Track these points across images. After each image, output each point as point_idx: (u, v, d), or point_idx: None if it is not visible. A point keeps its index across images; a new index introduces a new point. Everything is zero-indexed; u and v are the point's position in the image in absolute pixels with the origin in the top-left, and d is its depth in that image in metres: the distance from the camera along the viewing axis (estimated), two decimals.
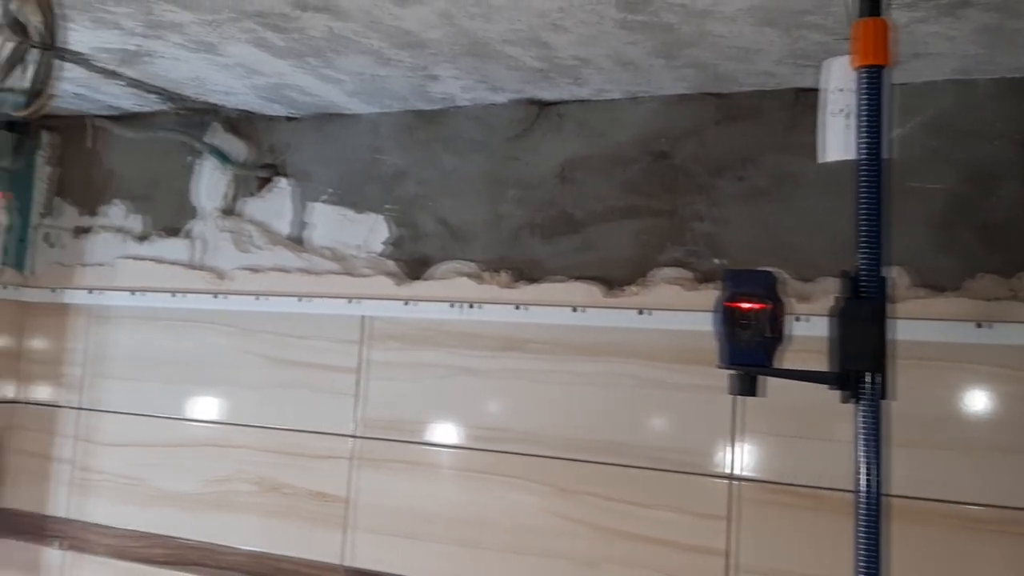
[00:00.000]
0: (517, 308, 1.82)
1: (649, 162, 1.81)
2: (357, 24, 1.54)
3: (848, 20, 1.12)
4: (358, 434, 1.95)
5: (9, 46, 0.73)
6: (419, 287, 1.94)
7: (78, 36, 1.72)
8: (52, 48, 0.75)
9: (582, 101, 1.88)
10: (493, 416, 1.84)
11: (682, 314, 1.68)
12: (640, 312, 1.72)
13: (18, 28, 0.74)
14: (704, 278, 1.73)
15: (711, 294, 1.65)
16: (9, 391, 2.32)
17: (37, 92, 0.77)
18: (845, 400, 1.05)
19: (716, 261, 1.73)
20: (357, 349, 1.98)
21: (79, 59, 1.87)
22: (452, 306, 1.89)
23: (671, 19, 1.43)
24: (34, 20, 0.74)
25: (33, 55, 0.74)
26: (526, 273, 1.87)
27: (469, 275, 1.90)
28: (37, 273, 2.37)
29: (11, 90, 0.74)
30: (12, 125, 1.97)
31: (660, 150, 1.80)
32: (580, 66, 1.68)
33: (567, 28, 1.49)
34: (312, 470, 1.98)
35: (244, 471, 2.05)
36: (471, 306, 1.88)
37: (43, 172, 2.40)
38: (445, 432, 1.88)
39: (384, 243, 2.02)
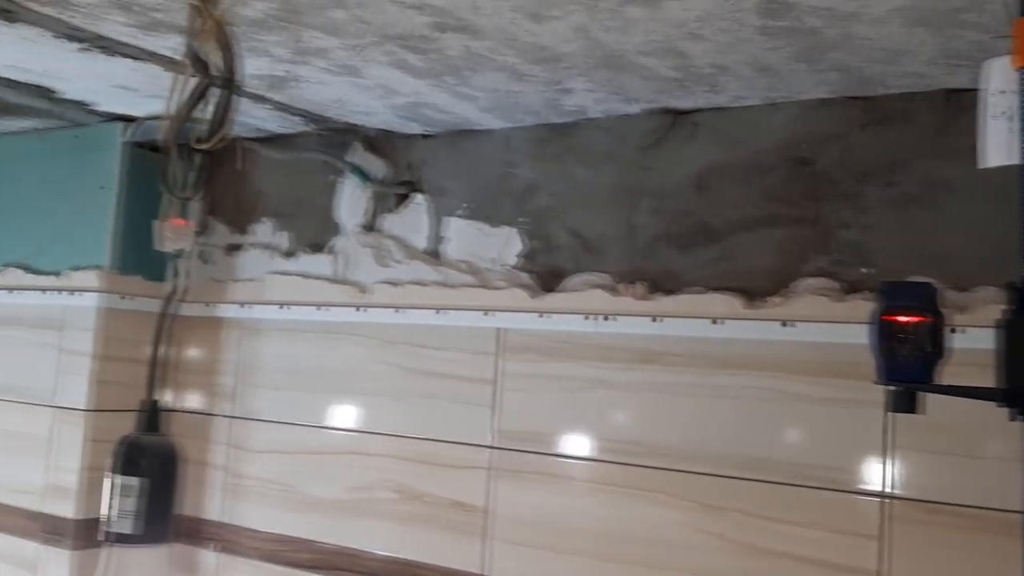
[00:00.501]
0: (654, 320, 1.81)
1: (790, 169, 1.76)
2: (493, 42, 1.57)
3: (1008, 19, 1.06)
4: (495, 445, 1.98)
5: (193, 82, 0.77)
6: (553, 299, 1.95)
7: None
8: (231, 84, 0.80)
9: (718, 109, 1.85)
10: (630, 429, 1.83)
11: (828, 326, 1.63)
12: (784, 324, 1.67)
13: (200, 65, 0.78)
14: (851, 288, 1.67)
15: (859, 305, 1.60)
16: (170, 401, 2.47)
17: (217, 125, 0.82)
18: (1013, 418, 0.99)
19: (863, 270, 1.67)
20: (493, 361, 2.01)
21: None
22: (587, 318, 1.89)
23: (815, 23, 1.39)
24: (214, 57, 0.79)
25: (214, 90, 0.79)
26: (661, 284, 1.85)
27: (603, 287, 1.90)
28: (191, 289, 2.51)
29: (195, 121, 0.79)
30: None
31: (801, 156, 1.75)
32: (717, 74, 1.65)
33: (705, 37, 1.47)
34: (451, 480, 2.02)
35: (386, 479, 2.11)
36: (606, 318, 1.87)
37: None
38: (581, 444, 1.88)
39: (518, 256, 2.04)
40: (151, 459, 0.74)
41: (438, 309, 2.09)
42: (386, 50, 1.65)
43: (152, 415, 0.79)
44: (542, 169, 2.04)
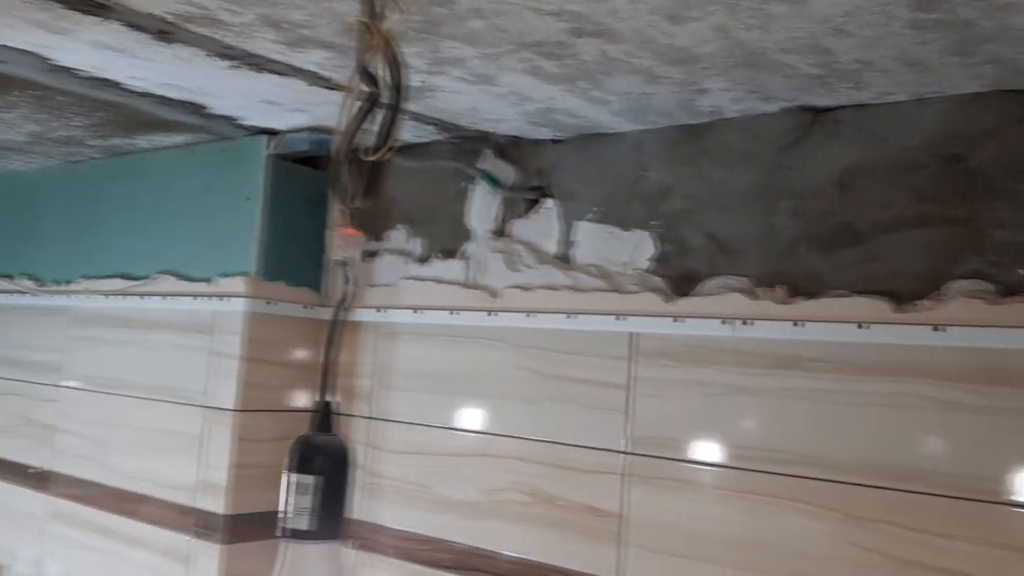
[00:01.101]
0: (795, 325, 1.76)
1: (940, 166, 1.68)
2: (629, 45, 1.56)
3: None
4: (629, 450, 1.97)
5: (362, 96, 0.81)
6: (688, 303, 1.93)
7: None
8: (399, 97, 0.82)
9: (861, 106, 1.79)
10: (769, 436, 1.79)
11: (984, 330, 1.55)
12: (935, 328, 1.60)
13: (369, 79, 0.82)
14: (1008, 291, 1.58)
15: (1018, 308, 1.51)
16: (311, 401, 2.56)
17: (386, 137, 0.85)
18: None
19: (1021, 272, 1.58)
20: (625, 366, 2.00)
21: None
22: (723, 323, 1.86)
23: (969, 15, 1.32)
24: (382, 72, 0.82)
25: (381, 104, 0.82)
26: (802, 288, 1.80)
27: (741, 291, 1.86)
28: (331, 294, 2.60)
29: (364, 132, 0.82)
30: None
31: (952, 153, 1.67)
32: (862, 70, 1.59)
33: (850, 32, 1.43)
34: (584, 484, 2.02)
35: (518, 482, 2.13)
36: (744, 323, 1.83)
37: (335, 201, 2.64)
38: (718, 451, 1.85)
39: (650, 259, 2.03)
40: (324, 458, 0.77)
41: (569, 313, 2.09)
42: (521, 57, 1.67)
43: (325, 416, 0.82)
44: (675, 171, 2.02)
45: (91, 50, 1.86)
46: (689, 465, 1.88)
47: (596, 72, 1.72)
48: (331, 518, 0.76)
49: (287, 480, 0.76)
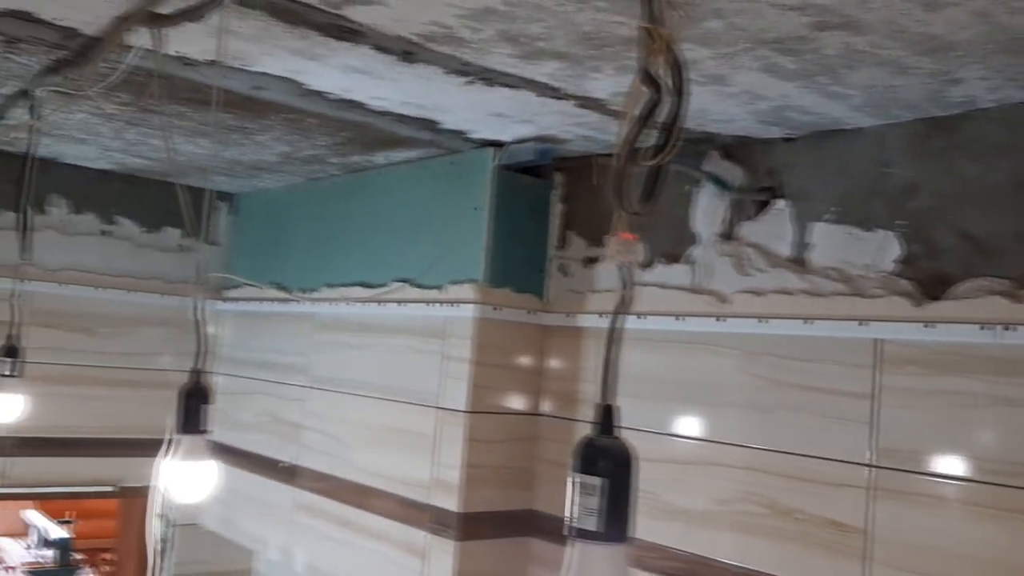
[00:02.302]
0: None
1: None
2: (877, 36, 1.49)
3: None
4: (874, 463, 1.86)
5: (644, 100, 0.82)
6: (940, 307, 1.80)
7: (599, 84, 1.90)
8: (681, 101, 0.83)
9: None
10: None
11: None
12: None
13: (652, 83, 0.83)
14: None
15: None
16: (534, 405, 2.62)
17: (665, 142, 0.85)
18: None
19: None
20: (870, 374, 1.89)
21: (596, 104, 2.07)
22: (982, 328, 1.72)
23: None
24: (664, 76, 0.82)
25: (663, 109, 0.83)
26: None
27: (1001, 293, 1.72)
28: (553, 300, 2.65)
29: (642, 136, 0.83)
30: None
31: None
32: None
33: None
34: (825, 498, 1.93)
35: (752, 493, 2.07)
36: (1006, 328, 1.69)
37: (556, 209, 2.69)
38: (974, 466, 1.71)
39: (895, 261, 1.91)
40: (608, 460, 0.79)
41: (806, 319, 2.01)
42: (757, 55, 1.63)
43: (607, 418, 0.84)
44: (922, 167, 1.90)
45: (341, 74, 1.99)
46: (942, 480, 1.76)
47: (838, 66, 1.64)
48: (617, 520, 0.77)
49: (573, 481, 0.78)
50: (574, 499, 0.77)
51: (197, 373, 1.58)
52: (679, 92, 0.85)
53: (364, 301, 2.93)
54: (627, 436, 0.95)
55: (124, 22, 1.68)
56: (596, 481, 0.74)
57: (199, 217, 1.83)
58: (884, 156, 1.96)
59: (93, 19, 1.74)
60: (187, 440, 1.51)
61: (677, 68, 0.86)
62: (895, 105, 1.84)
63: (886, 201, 1.95)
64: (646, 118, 0.83)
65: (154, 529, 3.61)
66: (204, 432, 1.53)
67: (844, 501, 1.89)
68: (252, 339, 3.60)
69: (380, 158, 2.88)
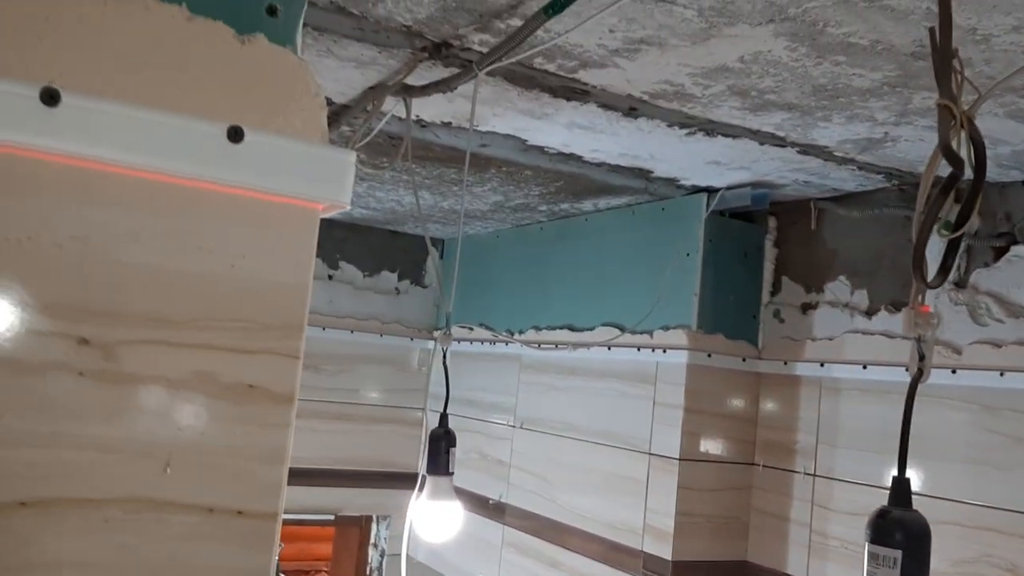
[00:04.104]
0: None
1: None
2: None
3: None
4: None
5: (944, 174, 0.83)
6: None
7: (826, 132, 1.88)
8: (980, 179, 0.83)
9: None
10: None
11: None
12: None
13: (954, 158, 0.84)
14: None
15: None
16: (748, 454, 2.58)
17: (965, 216, 0.86)
18: None
19: None
20: None
21: (820, 151, 2.04)
22: None
23: None
24: (965, 151, 0.83)
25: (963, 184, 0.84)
26: None
27: None
28: (767, 346, 2.61)
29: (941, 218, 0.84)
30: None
31: None
32: None
33: None
34: None
35: (992, 556, 1.94)
36: None
37: (770, 253, 2.66)
38: None
39: None
40: (904, 532, 0.79)
41: None
42: (1004, 102, 1.57)
43: (904, 490, 0.84)
44: None
45: (564, 130, 2.08)
46: None
47: None
48: None
49: (868, 551, 0.79)
50: (867, 569, 0.77)
51: (444, 417, 1.68)
52: (979, 170, 0.85)
53: (572, 344, 3.00)
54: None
55: (375, 92, 1.84)
56: (894, 554, 0.74)
57: (435, 266, 1.94)
58: None
59: (347, 89, 1.91)
60: (433, 481, 1.61)
61: (978, 145, 0.86)
62: None
63: None
64: (947, 191, 0.83)
65: (369, 558, 3.81)
66: (450, 474, 1.62)
67: None
68: (461, 377, 3.75)
69: (588, 205, 2.95)
